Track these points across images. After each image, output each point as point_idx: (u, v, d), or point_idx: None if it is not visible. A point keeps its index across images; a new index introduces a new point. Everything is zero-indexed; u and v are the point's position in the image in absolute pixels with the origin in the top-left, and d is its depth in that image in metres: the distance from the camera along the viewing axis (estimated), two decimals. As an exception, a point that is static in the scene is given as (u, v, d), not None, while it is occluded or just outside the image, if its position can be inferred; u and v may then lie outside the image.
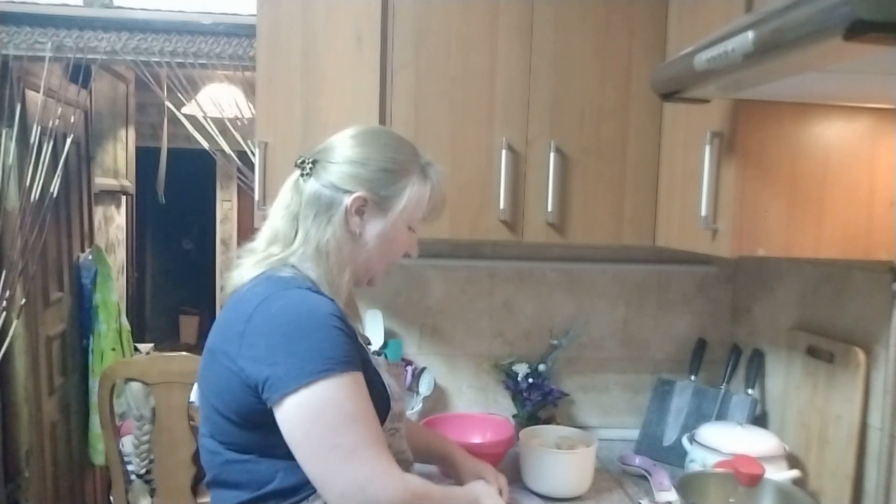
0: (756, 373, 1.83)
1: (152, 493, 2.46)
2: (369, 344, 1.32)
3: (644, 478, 1.70)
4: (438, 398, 2.05)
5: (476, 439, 1.75)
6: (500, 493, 1.37)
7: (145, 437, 2.46)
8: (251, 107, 2.32)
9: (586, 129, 1.67)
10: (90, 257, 3.10)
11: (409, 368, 1.98)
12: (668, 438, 1.90)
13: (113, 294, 3.08)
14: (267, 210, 1.24)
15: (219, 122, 2.47)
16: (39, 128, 2.25)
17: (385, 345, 1.96)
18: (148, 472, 2.49)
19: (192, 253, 7.28)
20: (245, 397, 1.08)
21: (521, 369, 1.97)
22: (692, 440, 1.67)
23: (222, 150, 2.52)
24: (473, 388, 2.07)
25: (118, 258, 3.99)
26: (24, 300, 2.35)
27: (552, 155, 1.63)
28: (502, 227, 1.66)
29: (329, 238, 1.16)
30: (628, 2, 1.64)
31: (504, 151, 1.62)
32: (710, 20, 1.37)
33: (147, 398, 2.40)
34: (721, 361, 1.98)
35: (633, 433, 1.98)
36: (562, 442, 1.67)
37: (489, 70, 1.64)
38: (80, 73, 2.47)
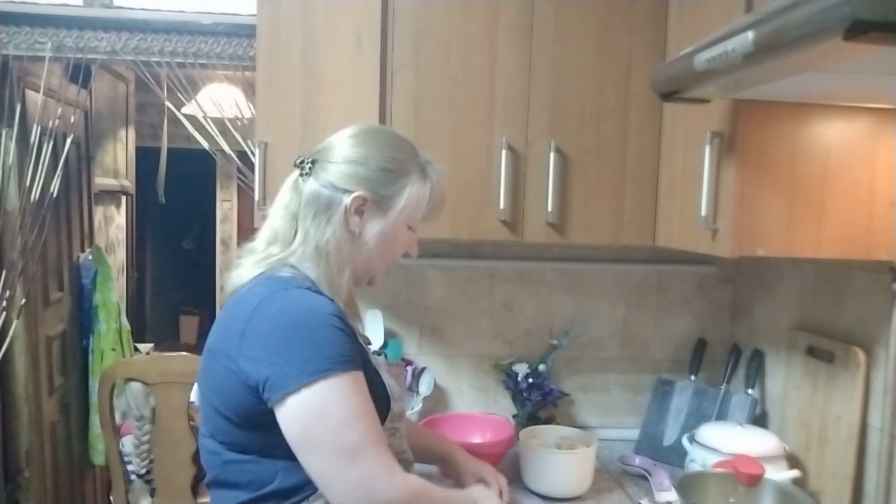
0: (756, 373, 1.83)
1: (152, 493, 2.46)
2: (369, 344, 1.32)
3: (644, 478, 1.69)
4: (438, 398, 2.05)
5: (476, 439, 1.75)
6: (500, 493, 1.37)
7: (145, 437, 2.46)
8: (251, 107, 2.32)
9: (586, 129, 1.67)
10: (90, 257, 3.10)
11: (409, 368, 1.98)
12: (668, 438, 1.90)
13: (113, 294, 3.08)
14: (267, 210, 1.24)
15: (219, 122, 2.47)
16: (39, 128, 2.25)
17: (385, 345, 1.95)
18: (148, 472, 2.49)
19: (192, 253, 7.27)
20: (245, 397, 1.08)
21: (521, 369, 1.97)
22: (692, 440, 1.67)
23: (222, 150, 2.52)
24: (473, 388, 2.07)
25: (118, 258, 3.98)
26: (24, 300, 2.35)
27: (552, 155, 1.63)
28: (502, 227, 1.66)
29: (329, 238, 1.16)
30: (628, 2, 1.64)
31: (504, 151, 1.62)
32: (710, 20, 1.37)
33: (147, 398, 2.40)
34: (721, 361, 1.98)
35: (633, 433, 1.98)
36: (562, 442, 1.67)
37: (489, 70, 1.64)
38: (80, 73, 2.47)
